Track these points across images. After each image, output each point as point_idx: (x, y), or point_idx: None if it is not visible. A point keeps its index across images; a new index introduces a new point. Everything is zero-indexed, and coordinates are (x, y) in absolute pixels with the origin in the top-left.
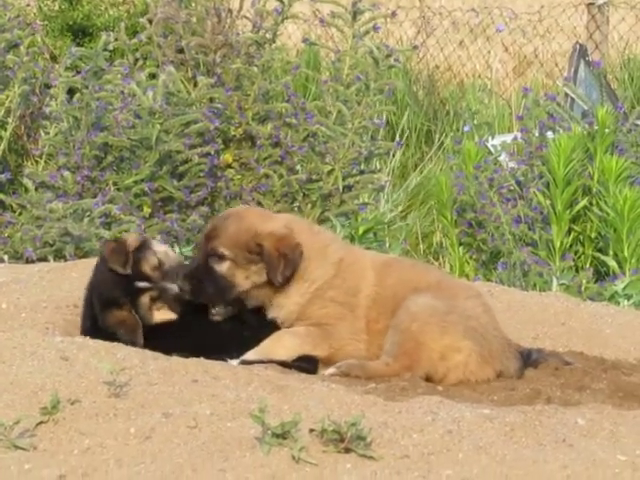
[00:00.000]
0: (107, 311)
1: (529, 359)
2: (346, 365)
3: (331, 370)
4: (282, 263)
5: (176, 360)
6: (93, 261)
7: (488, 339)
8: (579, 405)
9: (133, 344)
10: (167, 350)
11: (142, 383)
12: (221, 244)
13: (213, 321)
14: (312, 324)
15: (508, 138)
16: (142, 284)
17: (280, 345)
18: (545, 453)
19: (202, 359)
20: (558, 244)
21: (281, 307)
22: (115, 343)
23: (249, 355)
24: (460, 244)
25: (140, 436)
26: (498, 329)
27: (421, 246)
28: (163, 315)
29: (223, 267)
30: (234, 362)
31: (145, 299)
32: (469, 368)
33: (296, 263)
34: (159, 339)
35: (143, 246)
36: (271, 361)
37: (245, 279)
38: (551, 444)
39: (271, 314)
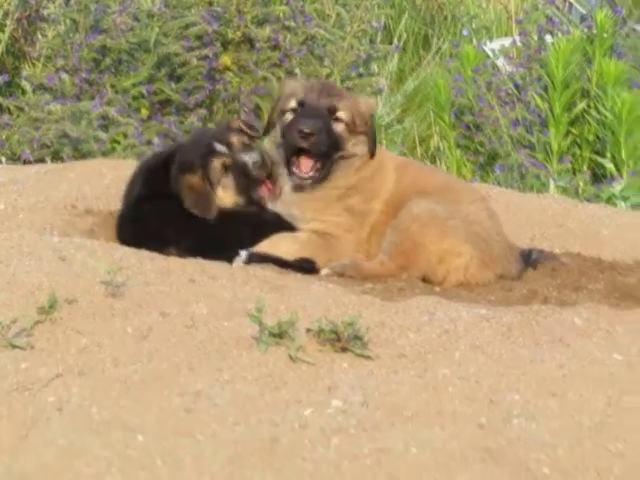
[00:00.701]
0: (180, 176)
1: (529, 259)
2: (340, 266)
3: (325, 271)
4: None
5: (173, 260)
6: (91, 162)
7: (490, 244)
8: (576, 305)
9: (204, 214)
10: (165, 242)
11: (139, 283)
12: (342, 108)
13: (215, 222)
14: (318, 231)
15: (506, 42)
16: (220, 147)
17: (276, 249)
18: (542, 352)
19: (199, 259)
20: (556, 147)
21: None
22: (113, 243)
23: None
24: (458, 147)
25: (137, 335)
26: (501, 233)
27: (418, 149)
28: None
29: (339, 127)
30: (242, 254)
31: (217, 164)
32: (469, 271)
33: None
34: (160, 229)
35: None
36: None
37: (353, 146)
38: (548, 344)
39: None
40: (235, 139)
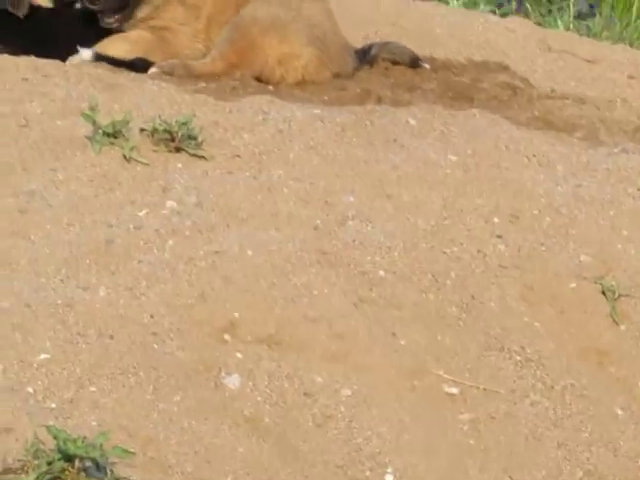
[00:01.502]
0: None
1: (368, 55)
2: (169, 64)
3: (153, 69)
4: None
5: (5, 58)
6: None
7: (328, 45)
8: (410, 105)
9: (15, 10)
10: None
11: None
12: None
13: (45, 21)
14: (150, 29)
15: None
16: None
17: (110, 49)
18: (376, 153)
19: (33, 57)
20: None
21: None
22: None
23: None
24: None
25: None
26: (338, 33)
27: None
28: None
29: None
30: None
31: None
32: (308, 71)
33: None
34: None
35: None
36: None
37: None
38: (382, 144)
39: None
40: None
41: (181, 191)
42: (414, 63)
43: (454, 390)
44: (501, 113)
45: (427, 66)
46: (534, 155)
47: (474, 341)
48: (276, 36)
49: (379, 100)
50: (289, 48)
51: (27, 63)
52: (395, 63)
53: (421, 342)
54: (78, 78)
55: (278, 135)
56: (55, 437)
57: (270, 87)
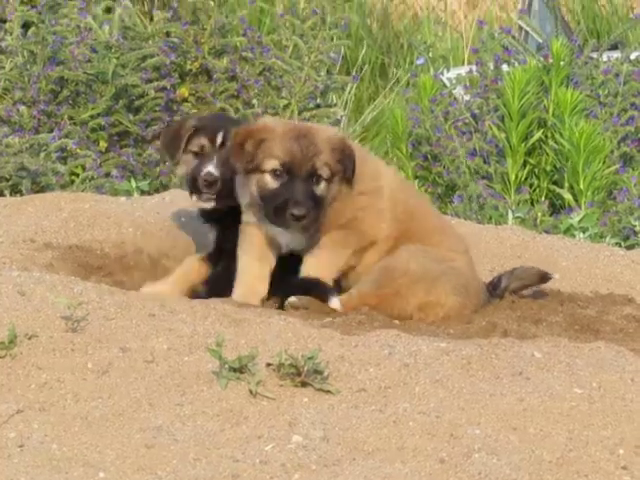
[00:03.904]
0: None
1: (499, 287)
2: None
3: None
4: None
5: (133, 294)
6: (49, 196)
7: (469, 290)
8: (535, 338)
9: None
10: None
11: (99, 317)
12: (321, 165)
13: None
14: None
15: (463, 71)
16: None
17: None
18: (502, 386)
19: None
20: (513, 177)
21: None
22: (72, 277)
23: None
24: (415, 177)
25: (97, 371)
26: (477, 277)
27: None
28: None
29: (320, 188)
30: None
31: None
32: (448, 315)
33: None
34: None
35: None
36: None
37: (330, 192)
38: (508, 377)
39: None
40: None
41: (307, 425)
42: (544, 279)
43: None
44: (627, 345)
45: (556, 276)
46: None
47: None
48: (423, 287)
49: (505, 333)
50: (435, 298)
51: (153, 299)
52: (525, 287)
53: None
54: (204, 314)
55: (404, 369)
56: None
57: (396, 321)
